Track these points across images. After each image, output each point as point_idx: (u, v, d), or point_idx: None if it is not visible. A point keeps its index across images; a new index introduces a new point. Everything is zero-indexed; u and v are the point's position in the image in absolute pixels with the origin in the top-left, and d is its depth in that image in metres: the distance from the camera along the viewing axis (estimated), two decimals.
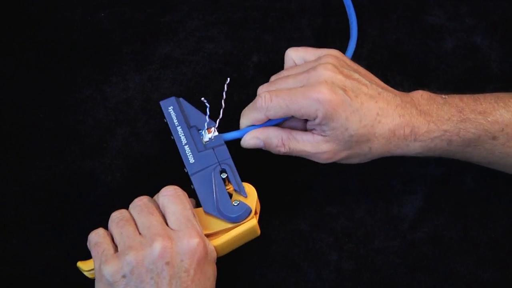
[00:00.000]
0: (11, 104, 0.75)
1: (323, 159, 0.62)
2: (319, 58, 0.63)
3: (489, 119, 0.61)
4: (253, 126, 0.63)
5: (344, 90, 0.60)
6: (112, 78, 0.77)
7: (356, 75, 0.62)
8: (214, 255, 0.59)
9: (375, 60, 0.78)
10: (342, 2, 0.77)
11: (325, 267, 0.65)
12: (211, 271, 0.58)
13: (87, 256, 0.59)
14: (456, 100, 0.62)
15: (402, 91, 0.76)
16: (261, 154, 0.71)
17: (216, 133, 0.63)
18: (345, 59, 0.64)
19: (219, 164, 0.62)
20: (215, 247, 0.59)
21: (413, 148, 0.62)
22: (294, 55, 0.66)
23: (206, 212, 0.60)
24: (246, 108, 0.63)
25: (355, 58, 0.78)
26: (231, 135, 0.64)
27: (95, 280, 0.57)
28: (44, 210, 0.67)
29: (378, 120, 0.60)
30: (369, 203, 0.68)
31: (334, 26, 0.80)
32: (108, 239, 0.57)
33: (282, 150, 0.62)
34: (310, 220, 0.67)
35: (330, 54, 0.63)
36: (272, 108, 0.61)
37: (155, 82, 0.77)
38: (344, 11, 0.77)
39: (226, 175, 0.61)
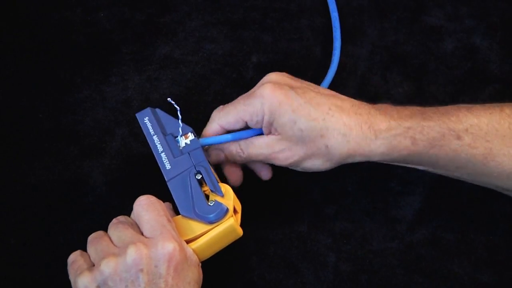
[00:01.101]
0: (11, 104, 0.75)
1: (281, 159, 0.61)
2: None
3: (452, 118, 0.59)
4: (233, 133, 0.64)
5: (291, 87, 0.60)
6: (112, 78, 0.77)
7: (308, 82, 0.62)
8: (194, 258, 0.58)
9: (374, 61, 0.78)
10: (342, 2, 0.77)
11: (323, 268, 0.65)
12: (191, 276, 0.57)
13: None
14: (417, 107, 0.62)
15: (402, 91, 0.77)
16: None
17: (193, 138, 0.63)
18: (290, 76, 0.64)
19: (194, 167, 0.62)
20: (193, 249, 0.58)
21: (375, 147, 0.59)
22: None
23: (183, 216, 0.60)
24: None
25: (355, 58, 0.79)
26: (210, 140, 0.64)
27: None
28: (43, 210, 0.67)
29: (331, 115, 0.59)
30: (367, 205, 0.68)
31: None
32: (85, 257, 0.57)
33: (242, 155, 0.62)
34: (308, 222, 0.67)
35: (274, 72, 0.64)
36: (222, 115, 0.62)
37: (155, 83, 0.77)
38: (344, 11, 0.77)
39: (201, 176, 0.61)
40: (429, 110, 0.61)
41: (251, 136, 0.63)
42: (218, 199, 0.60)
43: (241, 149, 0.62)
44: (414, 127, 0.59)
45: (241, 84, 0.77)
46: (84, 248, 0.59)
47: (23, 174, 0.70)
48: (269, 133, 0.61)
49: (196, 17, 0.81)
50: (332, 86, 0.77)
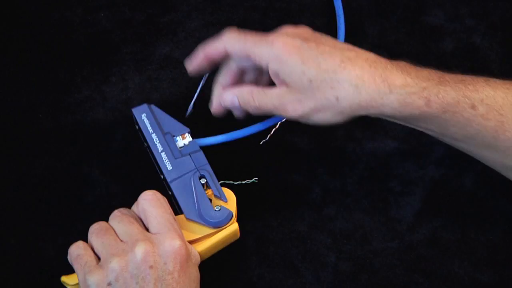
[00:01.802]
0: (11, 104, 0.75)
1: (290, 111, 0.60)
2: None
3: (469, 87, 0.59)
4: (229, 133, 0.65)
5: (304, 39, 0.59)
6: (112, 78, 0.77)
7: (326, 36, 0.62)
8: (197, 258, 0.59)
9: None
10: (342, 2, 0.77)
11: (323, 268, 0.65)
12: (195, 273, 0.58)
13: None
14: (435, 70, 0.61)
15: None
16: (260, 154, 0.71)
17: (190, 139, 0.64)
18: (310, 30, 0.63)
19: (197, 170, 0.62)
20: (199, 252, 0.60)
21: (389, 101, 0.58)
22: None
23: (188, 219, 0.60)
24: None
25: None
26: (206, 140, 0.65)
27: None
28: (43, 210, 0.67)
29: (343, 67, 0.58)
30: (368, 205, 0.68)
31: (334, 26, 0.80)
32: (89, 251, 0.57)
33: (252, 104, 0.62)
34: (308, 221, 0.67)
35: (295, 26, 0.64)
36: (232, 38, 0.61)
37: (155, 83, 0.77)
38: (344, 11, 0.77)
39: (206, 180, 0.62)
40: (447, 75, 0.60)
41: (246, 135, 0.63)
42: (222, 203, 0.60)
43: (253, 97, 0.62)
44: (430, 88, 0.58)
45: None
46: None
47: (23, 174, 0.70)
48: (280, 84, 0.61)
49: (196, 17, 0.82)
50: None
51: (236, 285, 0.63)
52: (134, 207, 0.60)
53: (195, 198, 0.61)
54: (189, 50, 0.79)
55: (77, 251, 0.58)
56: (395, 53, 0.78)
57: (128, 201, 0.61)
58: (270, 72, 0.60)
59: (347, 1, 0.81)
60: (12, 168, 0.71)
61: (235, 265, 0.65)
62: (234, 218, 0.61)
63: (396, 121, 0.62)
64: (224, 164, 0.70)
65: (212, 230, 0.61)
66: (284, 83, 0.60)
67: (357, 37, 0.79)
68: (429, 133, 0.63)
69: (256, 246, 0.66)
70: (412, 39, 0.79)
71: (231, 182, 0.68)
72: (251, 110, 0.63)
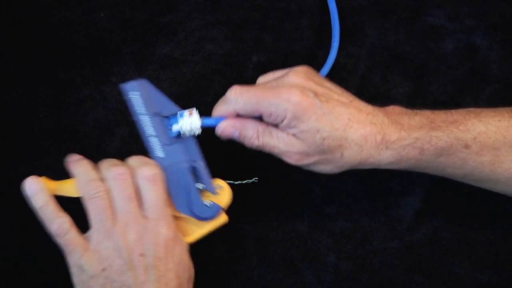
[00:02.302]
0: (11, 104, 0.75)
1: (293, 159, 0.61)
2: (290, 70, 0.63)
3: (460, 127, 0.60)
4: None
5: (315, 94, 0.60)
6: (112, 78, 0.77)
7: (328, 84, 0.63)
8: (185, 244, 0.60)
9: (374, 61, 0.78)
10: (342, 2, 0.77)
11: (323, 268, 0.65)
12: (185, 261, 0.59)
13: None
14: (427, 112, 0.62)
15: (402, 91, 0.77)
16: (260, 154, 0.71)
17: (197, 115, 0.62)
18: (315, 73, 0.64)
19: (190, 162, 0.61)
20: (189, 242, 0.60)
21: (385, 157, 0.61)
22: (263, 80, 0.66)
23: (178, 211, 0.60)
24: (219, 100, 0.63)
25: (355, 58, 0.79)
26: (208, 121, 0.63)
27: (73, 274, 0.58)
28: None
29: (350, 125, 0.60)
30: (368, 205, 0.68)
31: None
32: (76, 232, 0.59)
33: (256, 142, 0.62)
34: (308, 221, 0.67)
35: (301, 66, 0.64)
36: (241, 102, 0.61)
37: (155, 82, 0.76)
38: (344, 11, 0.77)
39: (196, 174, 0.61)
40: (438, 118, 0.61)
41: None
42: (212, 197, 0.60)
43: (258, 135, 0.62)
44: (422, 137, 0.60)
45: (241, 84, 0.76)
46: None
47: (23, 174, 0.70)
48: (289, 133, 0.61)
49: (196, 17, 0.81)
50: None
51: (237, 285, 0.63)
52: (128, 174, 0.60)
53: (184, 190, 0.60)
54: (189, 50, 0.79)
55: (61, 226, 0.59)
56: (396, 53, 0.78)
57: None
58: (282, 125, 0.60)
59: (347, 1, 0.81)
60: (12, 168, 0.70)
61: (236, 265, 0.65)
62: (225, 209, 0.61)
63: (393, 169, 0.63)
64: (225, 164, 0.70)
65: (201, 222, 0.61)
66: (295, 135, 0.60)
67: (357, 37, 0.79)
68: (429, 173, 0.64)
69: (256, 246, 0.66)
70: (412, 39, 0.80)
71: (232, 182, 0.68)
72: (251, 146, 0.63)
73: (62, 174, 0.70)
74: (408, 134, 0.60)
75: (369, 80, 0.77)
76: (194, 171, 0.61)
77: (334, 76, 0.77)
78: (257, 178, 0.69)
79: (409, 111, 0.62)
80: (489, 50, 0.78)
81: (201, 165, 0.61)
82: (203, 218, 0.60)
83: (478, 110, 0.62)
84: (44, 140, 0.72)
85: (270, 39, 0.80)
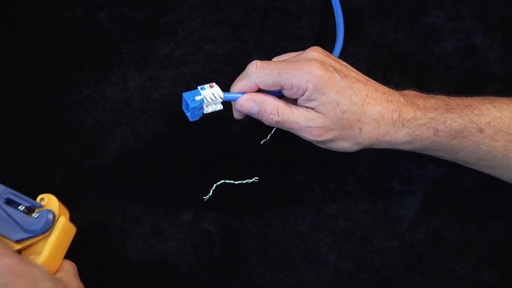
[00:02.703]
0: (11, 104, 0.75)
1: (313, 135, 0.61)
2: (307, 49, 0.63)
3: (475, 111, 0.61)
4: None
5: (334, 69, 0.60)
6: (112, 78, 0.77)
7: (344, 63, 0.63)
8: (45, 270, 0.57)
9: (375, 60, 0.78)
10: (343, 2, 0.77)
11: (324, 267, 0.65)
12: (50, 284, 0.55)
13: (87, 259, 0.60)
14: (442, 96, 0.63)
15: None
16: (261, 154, 0.71)
17: (218, 89, 0.61)
18: (330, 54, 0.64)
19: (0, 198, 0.60)
20: (42, 263, 0.58)
21: (401, 135, 0.61)
22: (278, 59, 0.66)
23: (18, 241, 0.59)
24: (238, 77, 0.62)
25: (355, 58, 0.79)
26: (229, 95, 0.62)
27: None
28: None
29: (368, 101, 0.60)
30: (368, 204, 0.68)
31: (334, 26, 0.80)
32: None
33: (275, 118, 0.61)
34: (309, 221, 0.67)
35: (316, 46, 0.64)
36: (262, 74, 0.60)
37: (155, 82, 0.77)
38: (344, 11, 0.77)
39: (12, 201, 0.61)
40: (453, 102, 0.62)
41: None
42: (41, 209, 0.60)
43: (277, 111, 0.61)
44: (437, 118, 0.61)
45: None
46: (85, 248, 0.59)
47: (23, 174, 0.70)
48: (309, 108, 0.61)
49: (197, 17, 0.82)
50: None
51: (237, 284, 0.63)
52: None
53: (11, 220, 0.60)
54: (189, 50, 0.79)
55: None
56: (396, 52, 0.78)
57: (128, 200, 0.61)
58: (303, 98, 0.60)
59: (347, 1, 0.81)
60: (12, 168, 0.70)
61: (236, 264, 0.65)
62: (58, 214, 0.60)
63: (408, 150, 0.63)
64: (225, 164, 0.70)
65: (46, 236, 0.60)
66: (315, 109, 0.60)
67: (357, 37, 0.79)
68: (441, 158, 0.64)
69: (257, 245, 0.66)
70: (412, 39, 0.80)
71: (232, 181, 0.68)
72: (270, 122, 0.62)
73: (62, 174, 0.70)
74: (423, 114, 0.61)
75: None
76: (11, 201, 0.61)
77: None
78: (257, 178, 0.69)
79: (424, 94, 0.63)
80: (489, 50, 0.78)
81: (11, 192, 0.61)
82: (40, 230, 0.59)
83: (493, 97, 0.63)
84: (44, 140, 0.72)
85: (270, 39, 0.80)
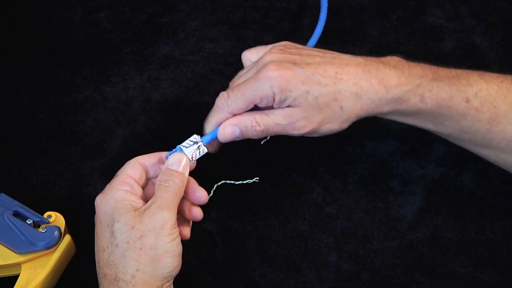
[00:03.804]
0: (11, 104, 0.75)
1: (298, 128, 0.61)
2: (268, 50, 0.63)
3: (462, 82, 0.61)
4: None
5: (294, 63, 0.60)
6: (112, 78, 0.77)
7: (306, 51, 0.63)
8: None
9: None
10: (343, 2, 0.77)
11: (324, 267, 0.65)
12: None
13: (87, 259, 0.60)
14: (429, 65, 0.63)
15: None
16: (261, 154, 0.71)
17: (200, 141, 0.62)
18: (296, 45, 0.64)
19: (7, 210, 0.62)
20: (45, 277, 0.60)
21: (386, 102, 0.60)
22: (249, 55, 0.67)
23: (22, 253, 0.60)
24: (208, 115, 0.63)
25: None
26: (208, 137, 0.63)
27: None
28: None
29: (339, 78, 0.60)
30: (368, 204, 0.68)
31: (334, 26, 0.80)
32: None
33: (258, 128, 0.61)
34: (309, 221, 0.67)
35: (278, 44, 0.64)
36: (231, 102, 0.61)
37: (155, 82, 0.77)
38: (344, 11, 0.77)
39: (20, 214, 0.62)
40: (441, 71, 0.62)
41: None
42: (46, 225, 0.62)
43: (256, 122, 0.61)
44: (423, 85, 0.60)
45: None
46: (85, 249, 0.59)
47: (23, 174, 0.70)
48: (284, 108, 0.61)
49: (197, 17, 0.82)
50: None
51: (238, 285, 0.63)
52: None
53: (18, 232, 0.61)
54: (189, 50, 0.79)
55: None
56: (396, 52, 0.78)
57: None
58: (276, 103, 0.60)
59: (347, 1, 0.81)
60: (13, 168, 0.70)
61: (237, 265, 0.65)
62: (65, 231, 0.62)
63: (393, 118, 0.63)
64: (225, 164, 0.70)
65: (50, 252, 0.61)
66: (290, 105, 0.60)
67: (357, 37, 0.79)
68: (427, 129, 0.64)
69: (257, 245, 0.66)
70: (412, 39, 0.80)
71: (233, 182, 0.68)
72: (256, 134, 0.62)
73: (62, 174, 0.70)
74: (408, 81, 0.60)
75: None
76: (19, 213, 0.62)
77: None
78: (258, 178, 0.69)
79: (410, 62, 0.63)
80: (489, 49, 0.79)
81: (19, 205, 0.63)
82: (46, 244, 0.61)
83: (481, 71, 0.63)
84: (45, 141, 0.72)
85: (271, 39, 0.80)
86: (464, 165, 0.71)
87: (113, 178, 0.59)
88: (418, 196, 0.69)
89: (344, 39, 0.77)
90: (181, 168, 0.59)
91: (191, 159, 0.61)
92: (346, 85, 0.59)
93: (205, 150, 0.62)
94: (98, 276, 0.56)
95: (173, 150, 0.61)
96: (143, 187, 0.61)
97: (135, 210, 0.56)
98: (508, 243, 0.66)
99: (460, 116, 0.61)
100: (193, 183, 0.62)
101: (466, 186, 0.70)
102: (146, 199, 0.59)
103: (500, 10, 0.81)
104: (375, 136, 0.73)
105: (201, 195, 0.62)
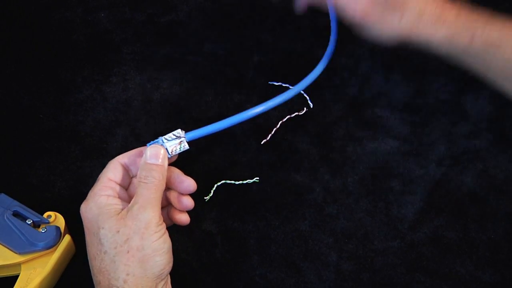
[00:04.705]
0: (11, 104, 0.75)
1: (359, 10, 0.64)
2: None
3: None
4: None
5: None
6: (112, 78, 0.77)
7: None
8: None
9: (375, 60, 0.78)
10: None
11: (325, 267, 0.65)
12: None
13: (87, 259, 0.59)
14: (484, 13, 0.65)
15: (403, 91, 0.76)
16: (261, 154, 0.71)
17: (186, 144, 0.59)
18: None
19: (7, 210, 0.62)
20: (45, 277, 0.60)
21: (439, 34, 0.63)
22: None
23: (22, 253, 0.60)
24: None
25: (355, 58, 0.79)
26: (193, 134, 0.60)
27: None
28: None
29: None
30: (369, 204, 0.68)
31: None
32: None
33: None
34: (309, 221, 0.67)
35: None
36: None
37: (155, 83, 0.77)
38: None
39: (20, 214, 0.62)
40: (496, 19, 0.64)
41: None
42: (46, 225, 0.62)
43: None
44: (477, 25, 0.63)
45: (241, 84, 0.76)
46: (82, 250, 0.59)
47: (24, 174, 0.70)
48: None
49: (196, 17, 0.82)
50: (333, 85, 0.77)
51: (238, 285, 0.63)
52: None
53: (18, 232, 0.61)
54: (189, 50, 0.79)
55: None
56: (396, 52, 0.78)
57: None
58: None
59: None
60: (13, 168, 0.70)
61: (237, 265, 0.65)
62: (65, 231, 0.62)
63: (441, 54, 0.65)
64: (226, 164, 0.70)
65: (50, 252, 0.61)
66: None
67: (357, 37, 0.79)
68: (474, 71, 0.66)
69: (258, 245, 0.66)
70: None
71: (233, 182, 0.68)
72: None
73: (62, 174, 0.70)
74: (464, 20, 0.63)
75: (369, 79, 0.77)
76: (18, 214, 0.62)
77: (335, 75, 0.77)
78: (258, 178, 0.69)
79: (467, 9, 0.65)
80: None
81: (19, 205, 0.63)
82: (46, 244, 0.61)
83: None
84: (45, 141, 0.72)
85: (271, 39, 0.80)
86: (464, 165, 0.71)
87: (95, 183, 0.57)
88: (418, 196, 0.69)
89: (345, 38, 0.77)
90: (160, 160, 0.57)
91: (170, 153, 0.59)
92: (415, 2, 0.63)
93: (187, 147, 0.59)
94: (94, 282, 0.56)
95: (154, 140, 0.59)
96: (127, 187, 0.60)
97: (118, 213, 0.55)
98: (509, 243, 0.66)
99: (509, 56, 0.62)
100: (179, 173, 0.60)
101: (466, 186, 0.70)
102: (131, 199, 0.58)
103: (500, 10, 0.81)
104: (376, 136, 0.73)
105: (188, 184, 0.59)
